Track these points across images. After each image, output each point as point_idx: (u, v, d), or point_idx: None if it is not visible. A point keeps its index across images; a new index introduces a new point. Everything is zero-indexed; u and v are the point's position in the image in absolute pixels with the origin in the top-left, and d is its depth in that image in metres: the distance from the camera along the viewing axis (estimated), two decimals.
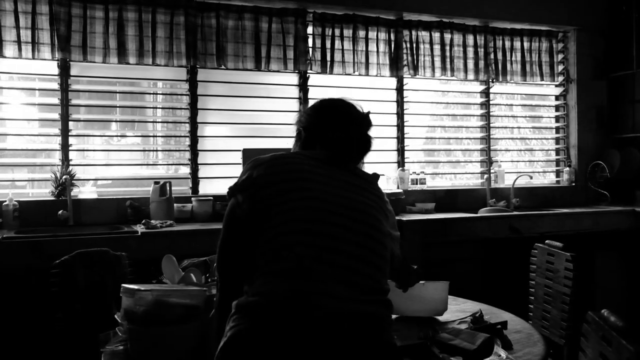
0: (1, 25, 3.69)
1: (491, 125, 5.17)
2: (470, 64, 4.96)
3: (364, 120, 1.76)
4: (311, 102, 4.57)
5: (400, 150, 4.86)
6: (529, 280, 2.95)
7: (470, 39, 4.96)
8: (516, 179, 4.97)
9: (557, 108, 5.52)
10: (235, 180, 1.62)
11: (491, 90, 5.17)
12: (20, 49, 3.73)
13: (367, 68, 4.62)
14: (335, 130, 1.71)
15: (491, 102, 5.17)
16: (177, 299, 1.91)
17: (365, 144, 1.75)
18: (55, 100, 3.93)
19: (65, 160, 3.91)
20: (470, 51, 4.96)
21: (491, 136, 5.17)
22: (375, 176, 1.73)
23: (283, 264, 1.40)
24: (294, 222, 1.46)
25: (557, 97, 5.49)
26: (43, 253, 3.09)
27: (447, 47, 4.88)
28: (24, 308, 3.09)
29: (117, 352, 1.92)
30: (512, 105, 5.52)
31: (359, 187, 1.61)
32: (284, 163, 1.57)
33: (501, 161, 5.24)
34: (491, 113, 5.17)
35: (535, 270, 2.92)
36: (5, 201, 3.60)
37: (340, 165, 1.65)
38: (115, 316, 2.05)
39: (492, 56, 5.05)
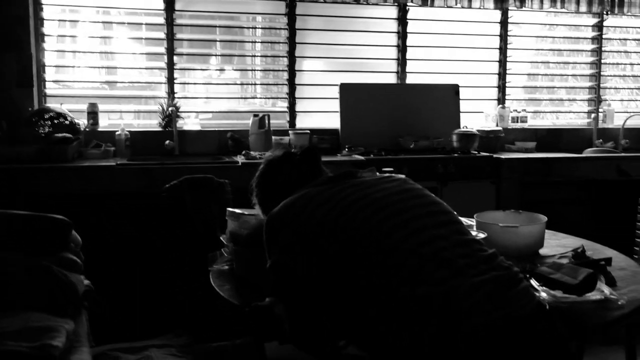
0: None
1: (603, 61, 4.85)
2: None
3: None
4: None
5: (501, 87, 4.69)
6: (636, 222, 2.83)
7: None
8: (627, 119, 4.67)
9: None
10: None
11: (604, 24, 4.82)
12: None
13: (469, 0, 4.44)
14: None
15: (604, 37, 4.83)
16: None
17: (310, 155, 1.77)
18: (161, 35, 4.08)
19: (171, 92, 4.08)
20: None
21: (602, 73, 4.86)
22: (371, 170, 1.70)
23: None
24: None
25: None
26: (153, 179, 3.29)
27: None
28: (136, 228, 3.32)
29: (223, 270, 2.05)
30: (626, 40, 5.14)
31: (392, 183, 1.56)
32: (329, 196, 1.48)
33: (611, 100, 4.94)
34: (603, 48, 4.84)
35: None
36: (117, 131, 3.84)
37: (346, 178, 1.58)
38: (221, 238, 2.17)
39: None
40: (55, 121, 3.57)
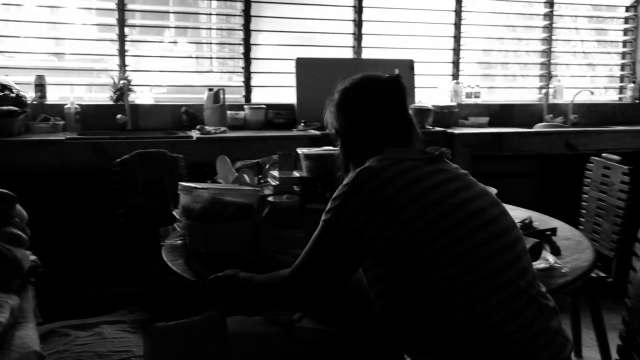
0: None
1: (553, 37, 4.94)
2: None
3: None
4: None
5: (456, 63, 4.73)
6: (582, 194, 2.91)
7: None
8: (576, 94, 4.78)
9: (626, 20, 5.20)
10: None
11: (555, 0, 4.90)
12: None
13: None
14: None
15: (555, 13, 4.92)
16: (232, 198, 1.99)
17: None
18: (112, 5, 3.96)
19: (123, 65, 3.98)
20: None
21: (552, 49, 4.95)
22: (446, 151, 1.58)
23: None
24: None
25: (627, 8, 5.16)
26: (104, 153, 3.22)
27: None
28: (88, 203, 3.25)
29: (175, 245, 2.04)
30: (576, 17, 5.24)
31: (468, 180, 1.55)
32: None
33: (561, 76, 5.04)
34: (554, 25, 4.92)
35: (589, 184, 2.88)
36: (67, 104, 3.72)
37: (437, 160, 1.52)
38: (174, 212, 2.15)
39: None
40: (0, 93, 3.44)
